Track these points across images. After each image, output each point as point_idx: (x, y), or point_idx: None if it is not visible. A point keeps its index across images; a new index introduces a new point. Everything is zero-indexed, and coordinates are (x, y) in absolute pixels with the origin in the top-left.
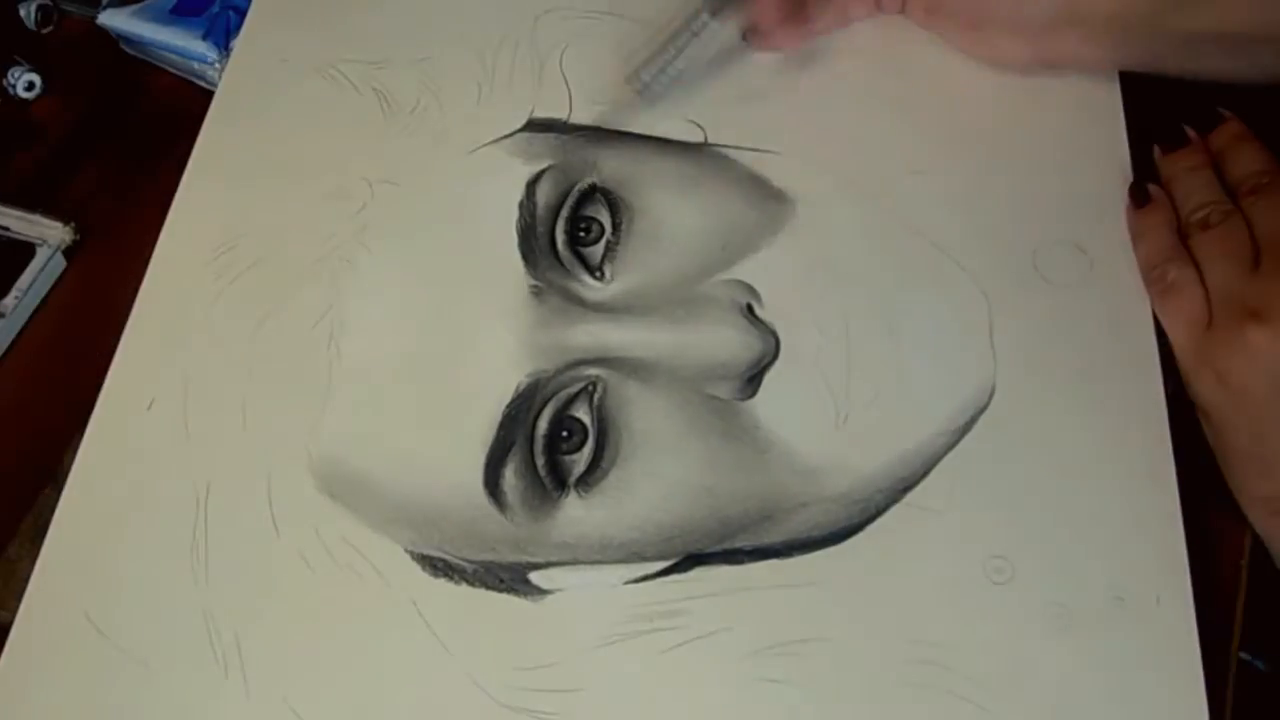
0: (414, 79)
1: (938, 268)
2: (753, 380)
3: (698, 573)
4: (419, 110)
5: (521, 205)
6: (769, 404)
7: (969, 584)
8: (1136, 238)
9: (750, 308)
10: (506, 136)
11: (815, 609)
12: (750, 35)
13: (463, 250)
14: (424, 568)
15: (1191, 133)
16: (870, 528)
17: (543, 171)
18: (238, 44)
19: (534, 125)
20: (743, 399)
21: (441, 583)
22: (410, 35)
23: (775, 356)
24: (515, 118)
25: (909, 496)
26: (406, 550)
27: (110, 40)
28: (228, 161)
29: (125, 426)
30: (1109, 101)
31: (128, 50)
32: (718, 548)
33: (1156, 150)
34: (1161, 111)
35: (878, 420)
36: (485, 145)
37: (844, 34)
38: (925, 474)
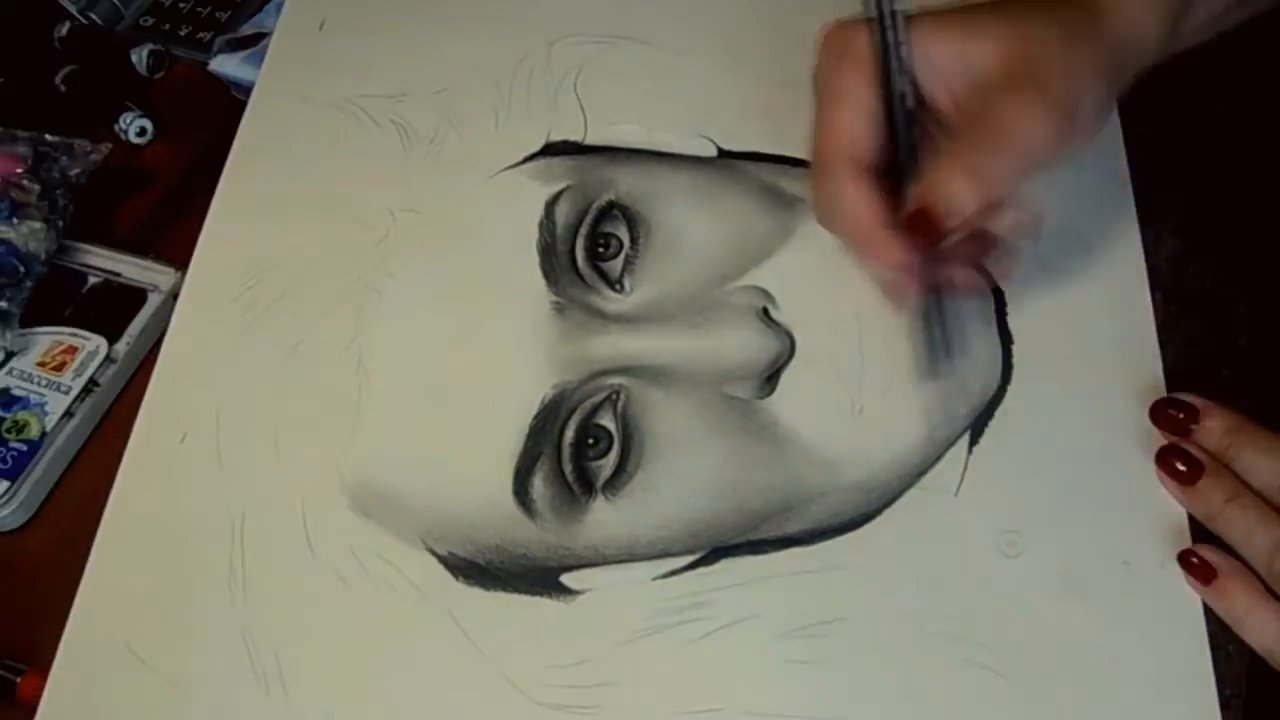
0: (432, 110)
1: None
2: (770, 379)
3: (723, 564)
4: (438, 140)
5: (541, 225)
6: (786, 401)
7: (982, 559)
8: (1235, 624)
9: (766, 311)
10: (525, 161)
11: (837, 592)
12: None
13: (485, 272)
14: (457, 577)
15: (1197, 409)
16: (887, 512)
17: (561, 191)
18: (258, 84)
19: (551, 148)
20: (761, 397)
21: (475, 591)
22: (428, 67)
23: (791, 356)
24: (533, 142)
25: (923, 480)
26: (440, 561)
27: (221, 85)
28: (252, 198)
29: (160, 459)
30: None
31: (238, 96)
32: (742, 539)
33: (1173, 486)
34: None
35: (891, 411)
36: (504, 170)
37: None
38: (938, 458)
